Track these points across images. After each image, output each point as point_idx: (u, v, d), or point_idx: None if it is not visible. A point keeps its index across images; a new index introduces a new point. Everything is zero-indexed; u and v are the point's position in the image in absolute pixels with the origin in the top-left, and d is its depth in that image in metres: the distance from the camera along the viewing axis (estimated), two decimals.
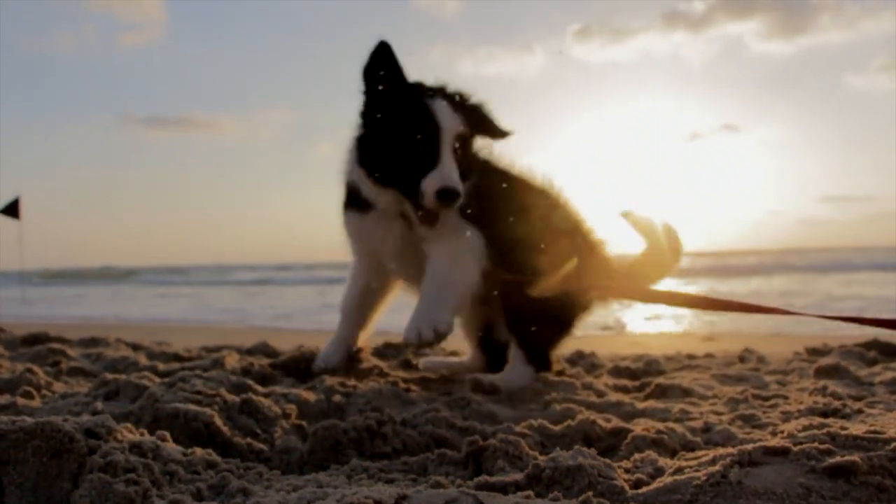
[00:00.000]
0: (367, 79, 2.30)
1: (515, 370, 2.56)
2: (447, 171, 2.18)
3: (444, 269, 2.37)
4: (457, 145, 2.25)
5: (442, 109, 2.24)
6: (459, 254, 2.39)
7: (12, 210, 13.52)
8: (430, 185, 2.18)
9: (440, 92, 2.33)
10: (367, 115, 2.35)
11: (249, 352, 3.41)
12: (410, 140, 2.22)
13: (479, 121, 2.39)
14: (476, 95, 2.41)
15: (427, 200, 2.20)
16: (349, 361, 2.74)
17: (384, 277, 2.69)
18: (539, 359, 2.62)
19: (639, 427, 1.83)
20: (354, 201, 2.48)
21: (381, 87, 2.27)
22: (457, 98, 2.34)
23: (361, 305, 2.74)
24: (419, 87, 2.33)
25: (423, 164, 2.20)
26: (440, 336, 2.29)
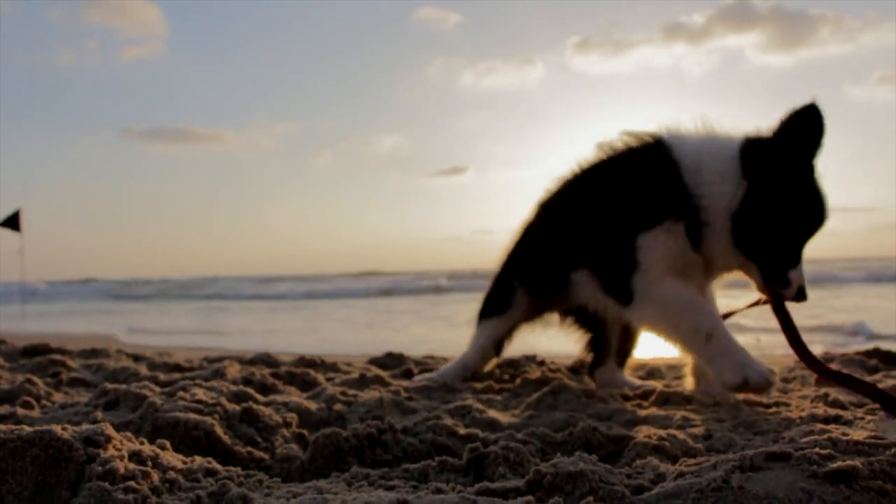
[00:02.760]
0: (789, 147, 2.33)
1: None
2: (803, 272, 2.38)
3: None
4: None
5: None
6: None
7: (13, 223, 13.60)
8: (795, 278, 2.34)
9: None
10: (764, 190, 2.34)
11: (251, 362, 3.40)
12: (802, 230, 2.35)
13: None
14: None
15: (789, 290, 2.35)
16: None
17: None
18: None
19: (641, 434, 1.82)
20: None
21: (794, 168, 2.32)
22: None
23: None
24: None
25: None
26: None
